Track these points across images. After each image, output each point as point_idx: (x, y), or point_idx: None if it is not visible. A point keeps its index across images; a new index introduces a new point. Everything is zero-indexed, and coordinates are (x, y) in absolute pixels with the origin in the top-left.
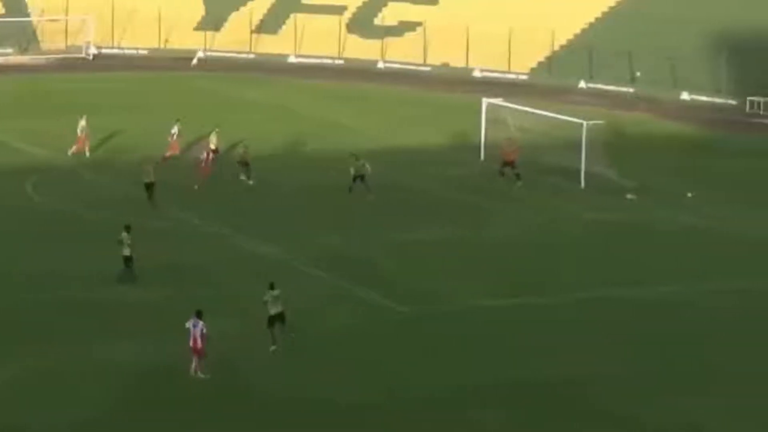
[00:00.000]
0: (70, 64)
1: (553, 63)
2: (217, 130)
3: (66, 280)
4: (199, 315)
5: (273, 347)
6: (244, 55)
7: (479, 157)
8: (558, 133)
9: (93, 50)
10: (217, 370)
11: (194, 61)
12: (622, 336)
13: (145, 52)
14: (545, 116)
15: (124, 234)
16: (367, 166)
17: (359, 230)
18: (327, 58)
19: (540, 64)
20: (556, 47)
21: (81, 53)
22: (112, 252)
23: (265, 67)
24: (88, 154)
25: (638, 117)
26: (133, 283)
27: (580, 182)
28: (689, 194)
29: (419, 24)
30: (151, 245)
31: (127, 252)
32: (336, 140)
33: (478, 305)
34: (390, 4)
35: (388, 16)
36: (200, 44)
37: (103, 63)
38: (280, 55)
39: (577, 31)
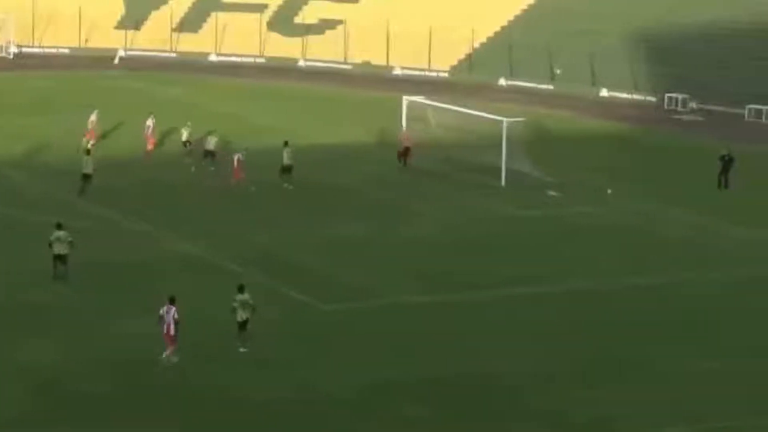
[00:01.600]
0: None
1: (473, 61)
2: (188, 123)
3: None
4: (172, 301)
5: (242, 349)
6: (165, 54)
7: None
8: (478, 130)
9: (13, 49)
10: (135, 369)
11: (116, 59)
12: (543, 332)
13: (66, 51)
14: (466, 114)
15: (61, 233)
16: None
17: (282, 228)
18: (248, 56)
19: (460, 61)
20: (476, 45)
21: (1, 52)
22: (36, 251)
23: (186, 66)
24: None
25: (558, 114)
26: (65, 280)
27: (501, 180)
28: (609, 191)
29: (340, 22)
30: (76, 244)
31: (61, 251)
32: (257, 138)
33: (401, 302)
34: (311, 2)
35: (308, 15)
36: (121, 43)
37: (24, 62)
38: (201, 53)
39: (497, 28)
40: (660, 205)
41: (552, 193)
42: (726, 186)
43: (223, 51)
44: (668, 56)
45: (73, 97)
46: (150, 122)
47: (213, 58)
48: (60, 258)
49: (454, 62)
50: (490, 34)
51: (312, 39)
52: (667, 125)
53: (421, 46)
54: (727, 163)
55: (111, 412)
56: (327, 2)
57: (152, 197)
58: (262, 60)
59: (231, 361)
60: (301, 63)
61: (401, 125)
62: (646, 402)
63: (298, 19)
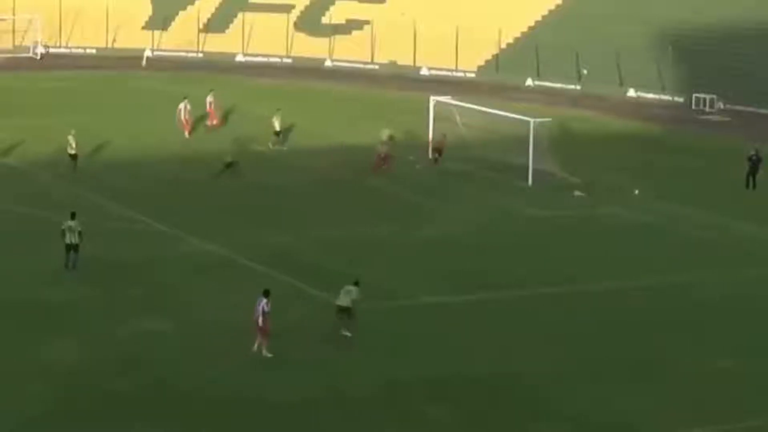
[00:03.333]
0: (18, 64)
1: (500, 61)
2: (278, 109)
3: (6, 280)
4: (266, 294)
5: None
6: (192, 54)
7: (427, 154)
8: (505, 130)
9: (41, 49)
10: (155, 368)
11: (143, 60)
12: (565, 332)
13: (93, 51)
14: (492, 114)
15: (72, 222)
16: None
17: (306, 229)
18: (275, 56)
19: (487, 62)
20: (503, 45)
21: (28, 53)
22: (57, 251)
23: (212, 66)
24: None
25: (585, 114)
26: (74, 269)
27: (527, 180)
28: (636, 191)
29: (367, 22)
30: (96, 244)
31: (73, 240)
32: (285, 138)
33: (423, 302)
34: (338, 2)
35: (335, 15)
36: (148, 43)
37: (51, 62)
38: (227, 53)
39: (524, 29)
40: (686, 206)
41: (578, 193)
42: (754, 186)
43: (250, 51)
44: (695, 56)
45: (100, 97)
46: (210, 98)
47: (240, 58)
48: (71, 247)
49: (481, 63)
50: (517, 34)
51: (339, 39)
52: (694, 125)
53: (448, 46)
54: (755, 163)
55: (132, 411)
56: (354, 2)
57: (178, 197)
58: (288, 60)
59: (251, 361)
60: (328, 63)
61: (430, 127)
62: (667, 402)
63: (324, 20)
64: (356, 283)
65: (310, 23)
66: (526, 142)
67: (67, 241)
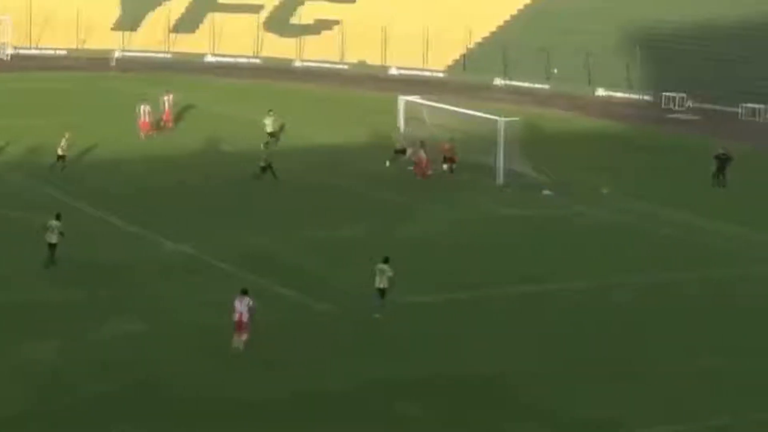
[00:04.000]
0: None
1: (469, 60)
2: (270, 110)
3: None
4: (244, 292)
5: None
6: (161, 55)
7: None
8: (475, 130)
9: (10, 50)
10: (131, 368)
11: (113, 61)
12: (539, 331)
13: (63, 52)
14: (462, 113)
15: (54, 222)
16: None
17: (280, 229)
18: (244, 57)
19: (456, 61)
20: (472, 45)
21: None
22: (31, 252)
23: (182, 67)
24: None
25: (554, 114)
26: (54, 266)
27: (497, 179)
28: (604, 190)
29: (336, 22)
30: (71, 245)
31: (53, 239)
32: (253, 139)
33: (399, 302)
34: (307, 2)
35: (304, 15)
36: (118, 44)
37: (21, 63)
38: (197, 54)
39: (493, 28)
40: (655, 205)
41: (547, 192)
42: (723, 185)
43: (219, 51)
44: (664, 55)
45: (70, 98)
46: (169, 97)
47: (209, 58)
48: (50, 246)
49: (450, 62)
50: (486, 34)
51: (308, 39)
52: (663, 124)
53: (417, 46)
54: (723, 161)
55: (110, 412)
56: (323, 2)
57: (147, 199)
58: (257, 60)
59: (229, 361)
60: (297, 63)
61: (400, 127)
62: (644, 400)
63: (294, 20)
64: (386, 260)
65: (279, 23)
66: (495, 141)
67: (47, 239)
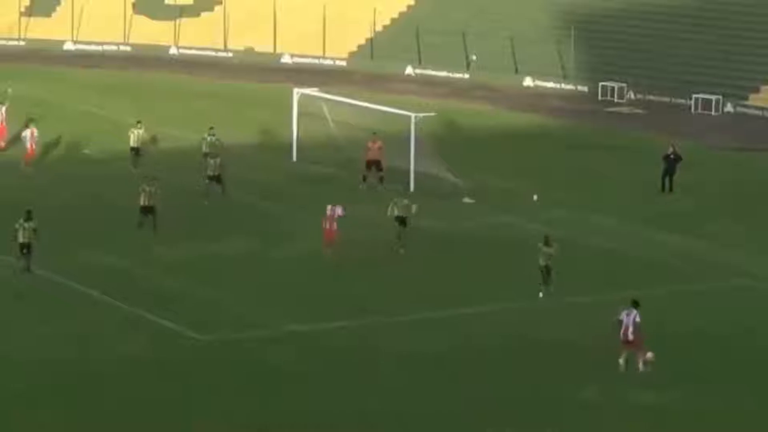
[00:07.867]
0: None
1: (375, 47)
2: (138, 121)
3: None
4: (635, 304)
5: None
6: (12, 42)
7: (291, 157)
8: (383, 127)
9: None
10: None
11: None
12: (453, 361)
13: None
14: (368, 108)
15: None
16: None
17: (144, 245)
18: (111, 44)
19: (360, 48)
20: (379, 28)
21: None
22: None
23: (36, 56)
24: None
25: (475, 107)
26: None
27: (408, 185)
28: (535, 197)
29: (218, 2)
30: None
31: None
32: (118, 141)
33: (283, 331)
34: None
35: None
36: None
37: None
38: (54, 41)
39: (403, 8)
40: (593, 213)
41: (468, 200)
42: (671, 189)
43: (81, 38)
44: (602, 41)
45: None
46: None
47: (69, 46)
48: (24, 246)
49: (353, 49)
50: (395, 15)
51: (186, 23)
52: (601, 119)
53: (314, 30)
54: (672, 162)
55: None
56: None
57: None
58: (127, 48)
59: (85, 401)
60: (173, 51)
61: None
62: None
63: (168, 0)
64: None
65: (151, 5)
66: (406, 140)
67: (20, 239)
